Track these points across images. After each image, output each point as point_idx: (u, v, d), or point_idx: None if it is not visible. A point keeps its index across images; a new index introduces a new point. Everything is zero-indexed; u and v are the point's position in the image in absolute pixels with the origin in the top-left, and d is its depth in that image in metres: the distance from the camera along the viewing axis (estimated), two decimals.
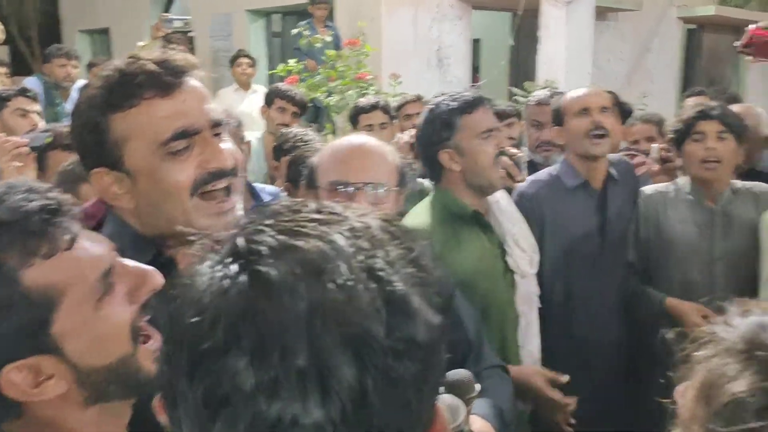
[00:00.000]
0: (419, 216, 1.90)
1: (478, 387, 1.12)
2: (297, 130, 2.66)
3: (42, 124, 2.82)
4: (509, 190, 2.29)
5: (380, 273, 0.50)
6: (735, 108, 2.64)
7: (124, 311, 0.83)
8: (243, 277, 0.50)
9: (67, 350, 0.78)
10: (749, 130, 2.69)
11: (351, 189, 1.40)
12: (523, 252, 2.03)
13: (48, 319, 0.77)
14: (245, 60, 5.63)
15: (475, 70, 8.65)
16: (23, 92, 2.92)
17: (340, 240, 0.51)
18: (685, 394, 0.67)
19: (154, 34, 4.70)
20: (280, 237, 0.52)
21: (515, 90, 6.07)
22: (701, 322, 1.96)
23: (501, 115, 3.98)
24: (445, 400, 1.19)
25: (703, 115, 2.29)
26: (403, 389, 0.50)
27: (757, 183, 2.41)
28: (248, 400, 0.47)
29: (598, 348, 2.34)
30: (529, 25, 6.56)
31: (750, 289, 2.16)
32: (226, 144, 1.09)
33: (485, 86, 7.55)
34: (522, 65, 7.12)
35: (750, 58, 2.48)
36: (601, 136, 2.30)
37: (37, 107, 2.96)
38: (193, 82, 1.07)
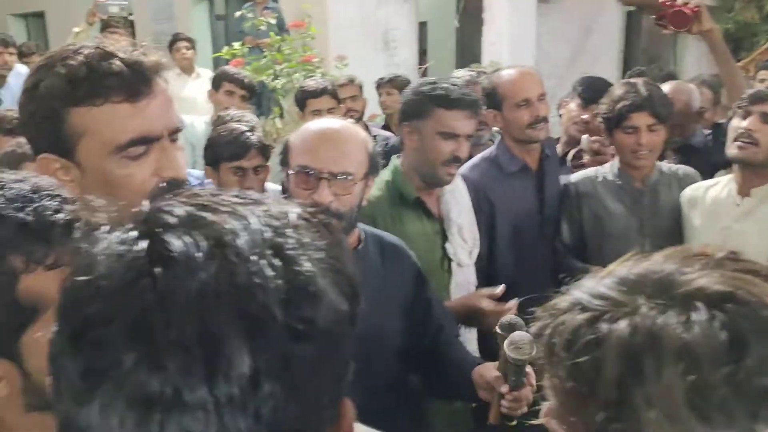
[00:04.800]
0: (377, 186, 1.87)
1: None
2: (234, 112, 2.47)
3: None
4: None
5: (288, 252, 0.48)
6: (665, 87, 2.62)
7: None
8: (142, 244, 0.46)
9: (27, 360, 0.77)
10: (682, 106, 2.78)
11: (316, 175, 1.41)
12: (465, 243, 2.06)
13: (25, 326, 0.75)
14: (183, 44, 5.45)
15: (423, 53, 8.65)
16: None
17: (252, 218, 0.49)
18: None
19: (89, 19, 4.52)
20: (190, 209, 0.49)
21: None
22: None
23: None
24: (514, 337, 1.30)
25: (635, 107, 2.24)
26: (298, 372, 0.46)
27: (681, 166, 2.49)
28: (128, 375, 0.43)
29: None
30: (474, 8, 6.62)
31: None
32: (180, 151, 1.08)
33: (433, 68, 7.59)
34: (468, 47, 7.18)
35: (666, 30, 2.53)
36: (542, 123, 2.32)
37: None
38: (161, 85, 1.04)
